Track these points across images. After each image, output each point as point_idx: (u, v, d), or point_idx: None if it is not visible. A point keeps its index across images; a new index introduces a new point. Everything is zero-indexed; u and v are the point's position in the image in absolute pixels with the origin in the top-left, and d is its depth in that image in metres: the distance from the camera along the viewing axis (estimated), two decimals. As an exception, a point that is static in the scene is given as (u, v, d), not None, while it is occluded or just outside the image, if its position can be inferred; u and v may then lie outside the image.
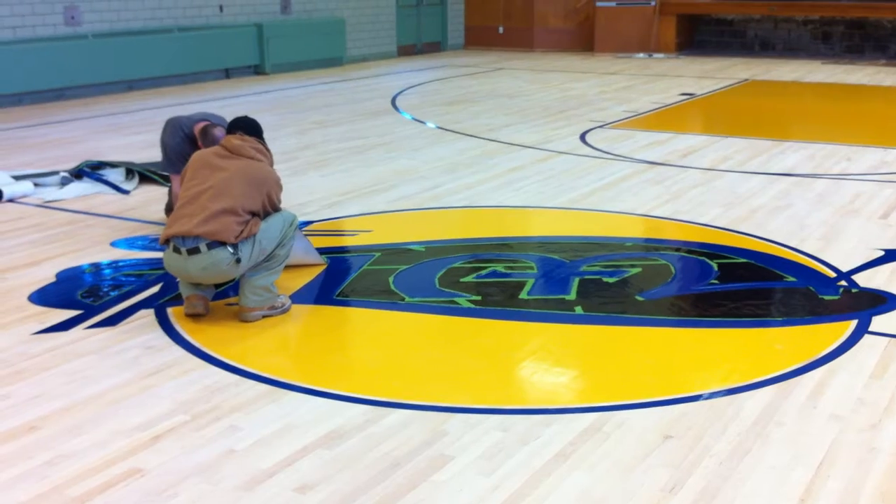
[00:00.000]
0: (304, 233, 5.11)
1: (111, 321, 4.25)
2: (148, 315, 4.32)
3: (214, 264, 4.08)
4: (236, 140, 4.35)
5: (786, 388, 3.54)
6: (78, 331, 4.14)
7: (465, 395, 3.51)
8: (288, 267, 4.64)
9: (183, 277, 4.22)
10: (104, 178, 6.91)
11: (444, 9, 18.00)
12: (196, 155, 4.41)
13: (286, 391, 3.54)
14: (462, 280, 4.76)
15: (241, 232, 4.09)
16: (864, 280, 4.71)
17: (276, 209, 4.36)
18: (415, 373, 3.74)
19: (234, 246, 4.08)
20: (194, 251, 4.06)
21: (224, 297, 4.49)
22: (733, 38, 17.43)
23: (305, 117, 10.12)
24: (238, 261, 4.09)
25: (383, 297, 4.54)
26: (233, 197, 4.13)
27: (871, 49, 16.24)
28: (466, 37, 18.59)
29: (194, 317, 4.24)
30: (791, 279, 4.79)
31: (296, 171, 7.28)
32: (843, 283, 4.70)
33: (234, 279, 4.37)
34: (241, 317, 4.23)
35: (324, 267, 4.95)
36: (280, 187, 4.40)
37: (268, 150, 4.50)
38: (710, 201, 6.30)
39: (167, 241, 4.16)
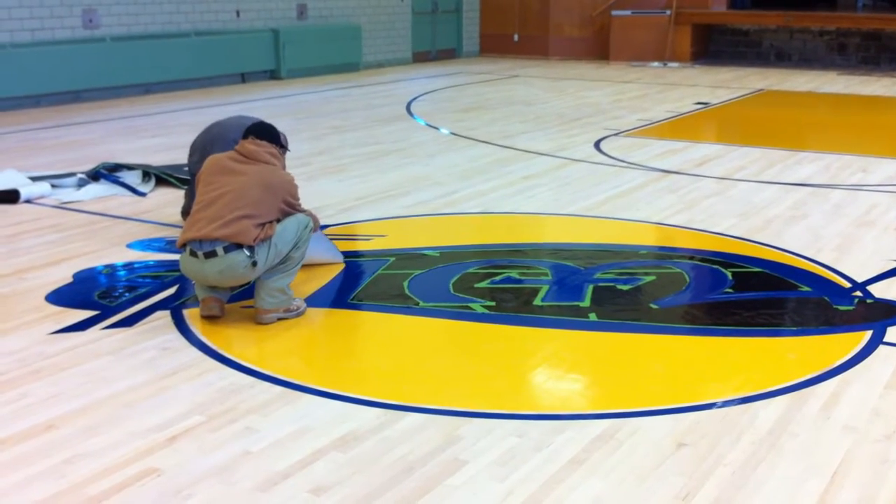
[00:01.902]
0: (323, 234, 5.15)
1: (127, 322, 4.28)
2: (164, 316, 4.35)
3: (231, 267, 4.10)
4: (251, 145, 4.38)
5: (800, 397, 3.53)
6: (94, 331, 4.17)
7: (479, 401, 3.52)
8: (306, 267, 4.67)
9: (199, 281, 4.25)
10: (121, 180, 6.95)
11: (460, 16, 18.05)
12: (211, 159, 4.44)
13: (301, 393, 3.56)
14: (476, 286, 4.77)
15: (258, 235, 4.11)
16: (879, 291, 4.70)
17: (298, 210, 4.39)
18: (429, 377, 3.76)
19: (251, 249, 4.10)
20: (211, 255, 4.09)
21: (240, 300, 4.52)
22: (748, 48, 17.41)
23: (321, 122, 10.16)
24: (254, 264, 4.12)
25: (398, 301, 4.56)
26: (250, 202, 4.15)
27: (887, 61, 16.20)
28: (481, 44, 18.63)
29: (210, 319, 4.27)
30: (806, 289, 4.78)
31: (311, 176, 7.31)
32: (858, 293, 4.69)
33: (249, 282, 4.39)
34: (257, 319, 4.25)
35: (340, 269, 4.98)
36: (296, 188, 4.43)
37: (282, 154, 4.53)
38: (725, 211, 6.30)
39: (184, 245, 4.20)
